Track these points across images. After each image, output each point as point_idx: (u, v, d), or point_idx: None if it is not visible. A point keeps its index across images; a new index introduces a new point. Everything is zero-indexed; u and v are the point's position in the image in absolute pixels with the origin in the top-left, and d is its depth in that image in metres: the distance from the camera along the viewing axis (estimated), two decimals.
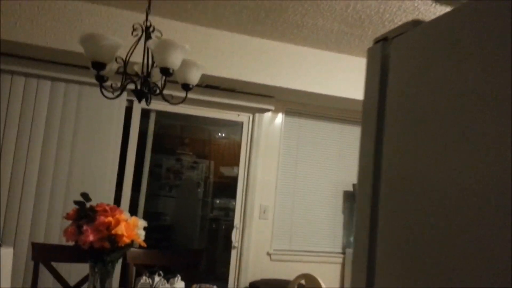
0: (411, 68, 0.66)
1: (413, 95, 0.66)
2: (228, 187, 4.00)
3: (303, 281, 2.36)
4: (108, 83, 1.99)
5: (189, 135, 4.04)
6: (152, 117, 3.35)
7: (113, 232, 1.77)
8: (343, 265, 3.61)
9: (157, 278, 1.97)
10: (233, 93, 3.30)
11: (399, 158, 0.69)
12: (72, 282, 2.32)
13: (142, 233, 1.91)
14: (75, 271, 2.68)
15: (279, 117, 3.55)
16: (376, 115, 0.73)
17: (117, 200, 3.09)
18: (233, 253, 3.40)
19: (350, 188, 3.66)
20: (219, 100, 3.26)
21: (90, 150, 2.95)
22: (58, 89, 2.92)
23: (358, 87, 3.23)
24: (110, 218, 1.80)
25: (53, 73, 2.89)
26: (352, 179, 3.70)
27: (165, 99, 1.98)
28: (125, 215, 1.89)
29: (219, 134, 3.97)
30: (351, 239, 3.63)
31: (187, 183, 4.03)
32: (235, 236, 3.40)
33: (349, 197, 3.67)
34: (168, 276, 1.99)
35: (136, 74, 1.97)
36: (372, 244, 0.74)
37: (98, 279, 1.84)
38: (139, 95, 1.91)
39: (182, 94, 2.05)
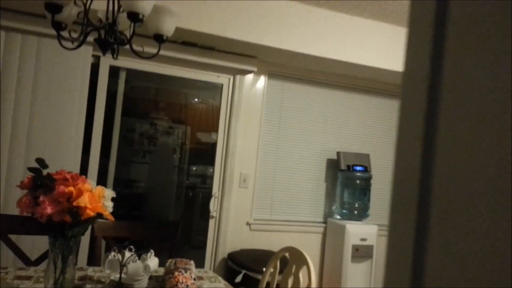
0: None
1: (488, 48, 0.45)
2: (205, 154, 3.82)
3: (287, 254, 2.22)
4: (68, 33, 1.71)
5: (164, 99, 3.78)
6: (122, 76, 3.05)
7: (74, 204, 1.54)
8: (324, 234, 3.51)
9: (127, 254, 1.77)
10: (212, 52, 3.02)
11: (461, 139, 0.48)
12: (35, 256, 2.10)
13: (109, 205, 1.69)
14: (39, 244, 2.45)
15: (262, 80, 3.31)
16: (429, 81, 0.51)
17: (85, 167, 2.83)
18: (211, 223, 3.23)
19: (334, 156, 3.51)
20: (197, 59, 2.98)
21: (52, 112, 2.65)
22: (13, 41, 2.57)
23: (348, 49, 3.01)
24: (71, 188, 1.56)
25: (7, 22, 2.53)
26: (336, 147, 3.55)
27: (134, 51, 1.71)
28: (90, 184, 1.65)
29: (196, 98, 3.72)
30: (333, 208, 3.52)
31: (161, 149, 3.80)
32: (213, 205, 3.22)
33: (333, 165, 3.53)
34: (140, 251, 1.80)
35: (100, 21, 1.68)
36: (420, 242, 0.55)
37: (60, 255, 1.62)
38: (104, 45, 1.63)
39: (154, 50, 1.78)
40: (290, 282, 2.12)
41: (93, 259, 2.20)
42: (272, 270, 2.23)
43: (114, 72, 2.99)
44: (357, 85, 3.61)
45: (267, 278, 2.25)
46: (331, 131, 3.56)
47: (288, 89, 3.42)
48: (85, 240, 2.68)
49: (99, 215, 1.65)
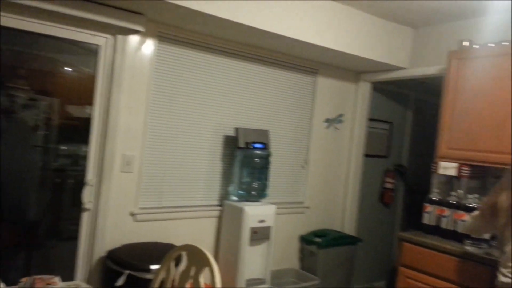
0: None
1: None
2: (79, 131, 3.23)
3: (184, 253, 1.85)
4: None
5: (24, 64, 3.01)
6: None
7: None
8: (219, 218, 3.22)
9: None
10: (85, 3, 2.39)
11: None
12: None
13: None
14: None
15: (150, 44, 2.79)
16: None
17: None
18: (85, 216, 2.67)
19: (231, 133, 3.21)
20: (66, 10, 2.32)
21: None
22: None
23: (256, 12, 2.65)
24: None
25: None
26: (234, 122, 3.24)
27: None
28: None
29: (67, 64, 3.04)
30: (230, 189, 3.25)
31: (19, 125, 3.04)
32: (87, 195, 2.65)
33: (230, 143, 3.23)
34: None
35: None
36: None
37: None
38: None
39: None
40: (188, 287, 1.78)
41: None
42: (164, 274, 1.85)
43: None
44: (259, 55, 3.32)
45: (158, 283, 1.86)
46: (229, 106, 3.23)
47: (182, 56, 2.96)
48: None
49: None
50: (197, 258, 1.76)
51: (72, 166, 3.26)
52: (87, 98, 2.73)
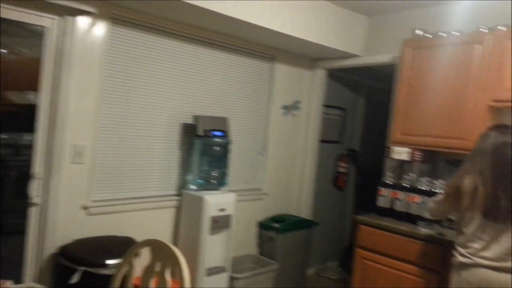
0: None
1: None
2: (20, 118, 3.00)
3: (146, 250, 1.77)
4: None
5: None
6: None
7: None
8: (178, 208, 3.14)
9: None
10: None
11: None
12: None
13: None
14: None
15: (102, 26, 2.60)
16: None
17: None
18: (33, 211, 2.48)
19: (189, 120, 3.11)
20: None
21: None
22: None
23: None
24: None
25: None
26: (192, 110, 3.15)
27: None
28: None
29: (7, 46, 2.78)
30: (188, 178, 3.17)
31: None
32: (34, 189, 2.46)
33: (188, 131, 3.13)
34: None
35: None
36: None
37: None
38: None
39: None
40: (152, 284, 1.71)
41: None
42: (126, 270, 1.77)
43: None
44: (217, 40, 3.22)
45: (120, 279, 1.78)
46: (186, 92, 3.12)
47: (137, 39, 2.80)
48: None
49: None
50: (162, 253, 1.69)
51: (14, 156, 3.02)
52: (31, 84, 2.51)
